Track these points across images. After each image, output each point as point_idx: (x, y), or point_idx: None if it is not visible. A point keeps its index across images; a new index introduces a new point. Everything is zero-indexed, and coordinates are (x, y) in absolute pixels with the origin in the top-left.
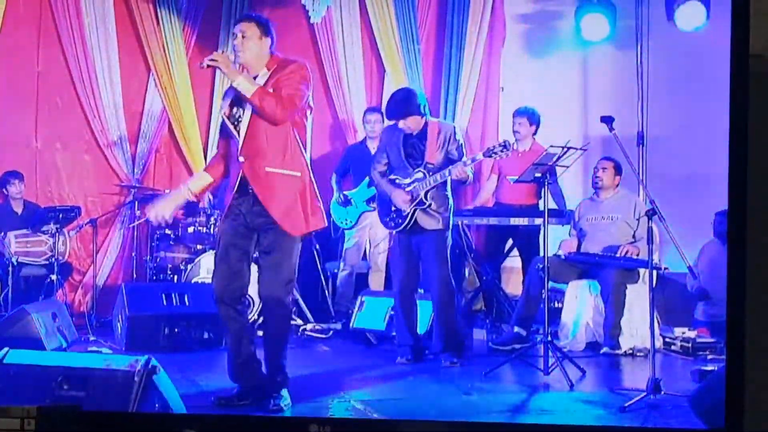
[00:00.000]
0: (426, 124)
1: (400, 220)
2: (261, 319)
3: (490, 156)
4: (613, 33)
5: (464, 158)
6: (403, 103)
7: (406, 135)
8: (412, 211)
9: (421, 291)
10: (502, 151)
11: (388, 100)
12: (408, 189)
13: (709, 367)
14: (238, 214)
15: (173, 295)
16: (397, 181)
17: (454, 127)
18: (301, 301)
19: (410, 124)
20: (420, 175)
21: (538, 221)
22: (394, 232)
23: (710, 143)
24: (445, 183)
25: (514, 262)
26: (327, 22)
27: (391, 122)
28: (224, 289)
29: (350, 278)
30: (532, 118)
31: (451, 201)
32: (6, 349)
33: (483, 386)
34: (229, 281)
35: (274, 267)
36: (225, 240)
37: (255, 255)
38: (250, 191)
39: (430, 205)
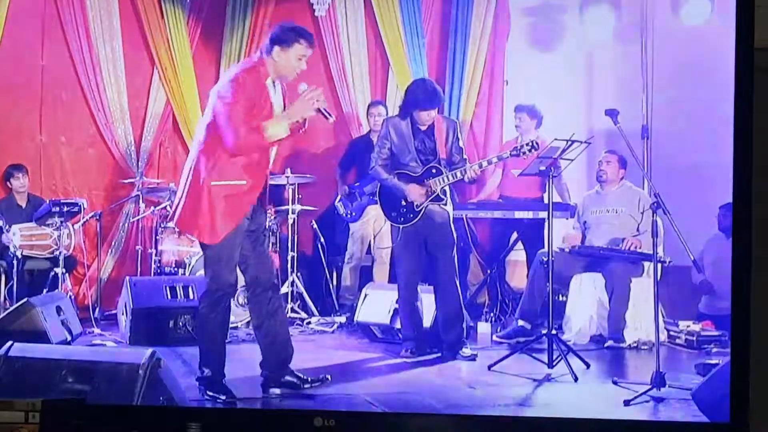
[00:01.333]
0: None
1: (411, 215)
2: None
3: (518, 155)
4: (617, 26)
5: (490, 157)
6: (437, 93)
7: (415, 129)
8: (425, 205)
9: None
10: (530, 151)
11: (421, 88)
12: (422, 183)
13: (714, 361)
14: (257, 214)
15: (178, 289)
16: (408, 174)
17: (455, 122)
18: (305, 295)
19: (432, 115)
20: (435, 170)
21: (543, 214)
22: (401, 227)
23: (715, 137)
24: None
25: (518, 255)
26: (331, 15)
27: (395, 114)
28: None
29: (354, 271)
30: (532, 112)
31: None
32: (10, 342)
33: (487, 379)
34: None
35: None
36: (255, 235)
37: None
38: (265, 197)
39: (443, 200)
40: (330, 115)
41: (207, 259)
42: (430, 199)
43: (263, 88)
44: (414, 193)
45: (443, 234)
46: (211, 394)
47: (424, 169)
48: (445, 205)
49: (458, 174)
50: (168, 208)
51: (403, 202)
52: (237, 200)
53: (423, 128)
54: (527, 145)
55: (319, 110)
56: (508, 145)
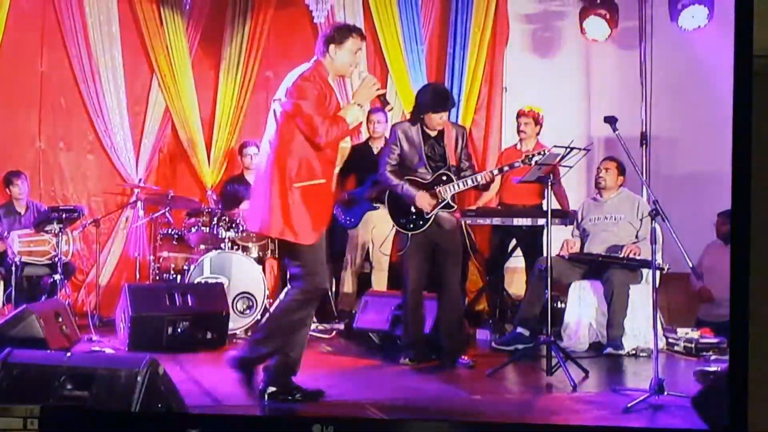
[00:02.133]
0: None
1: (421, 222)
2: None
3: (528, 164)
4: (616, 33)
5: (501, 166)
6: (449, 95)
7: (425, 134)
8: (435, 212)
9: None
10: (532, 161)
11: (433, 90)
12: (432, 191)
13: (713, 368)
14: None
15: (176, 295)
16: (417, 181)
17: (465, 129)
18: None
19: (444, 118)
20: (445, 177)
21: (542, 221)
22: (410, 233)
23: (714, 143)
24: None
25: (517, 262)
26: (330, 21)
27: (402, 120)
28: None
29: (353, 278)
30: (537, 118)
31: None
32: (9, 348)
33: (486, 386)
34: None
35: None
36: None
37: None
38: None
39: (453, 207)
40: (388, 102)
41: (303, 261)
42: (440, 206)
43: (329, 85)
44: (423, 202)
45: (452, 241)
46: (281, 395)
47: (433, 176)
48: (455, 212)
49: (469, 182)
50: (167, 215)
51: (413, 209)
52: (323, 199)
53: (433, 134)
54: (539, 154)
55: (379, 97)
56: (507, 152)
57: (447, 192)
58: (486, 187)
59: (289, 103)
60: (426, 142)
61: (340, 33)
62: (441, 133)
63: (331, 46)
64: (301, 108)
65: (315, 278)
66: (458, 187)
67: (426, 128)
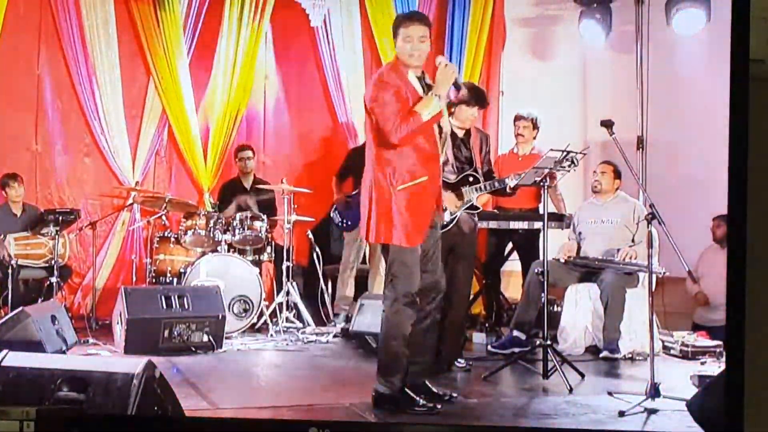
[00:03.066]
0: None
1: (443, 222)
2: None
3: (559, 170)
4: (612, 37)
5: (529, 171)
6: (485, 93)
7: (452, 134)
8: (459, 214)
9: None
10: (569, 166)
11: (472, 86)
12: (458, 191)
13: (709, 372)
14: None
15: (173, 298)
16: (443, 181)
17: (488, 135)
18: (300, 305)
19: (476, 115)
20: (471, 179)
21: (538, 225)
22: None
23: (710, 147)
24: None
25: (514, 265)
26: (327, 25)
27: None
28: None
29: (350, 280)
30: (535, 121)
31: None
32: (5, 351)
33: (482, 390)
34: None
35: None
36: (436, 235)
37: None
38: (439, 195)
39: (478, 208)
40: (461, 86)
41: (396, 264)
42: (464, 207)
43: (407, 81)
44: (449, 202)
45: (469, 244)
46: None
47: (459, 177)
48: (475, 215)
49: (496, 184)
50: (163, 218)
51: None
52: (427, 197)
53: (460, 135)
54: (566, 159)
55: (455, 82)
56: (504, 156)
57: (473, 193)
58: (513, 193)
59: (369, 103)
60: (453, 142)
61: (395, 25)
62: (467, 134)
63: (395, 41)
64: (374, 111)
65: (412, 280)
66: (485, 188)
67: (454, 127)
